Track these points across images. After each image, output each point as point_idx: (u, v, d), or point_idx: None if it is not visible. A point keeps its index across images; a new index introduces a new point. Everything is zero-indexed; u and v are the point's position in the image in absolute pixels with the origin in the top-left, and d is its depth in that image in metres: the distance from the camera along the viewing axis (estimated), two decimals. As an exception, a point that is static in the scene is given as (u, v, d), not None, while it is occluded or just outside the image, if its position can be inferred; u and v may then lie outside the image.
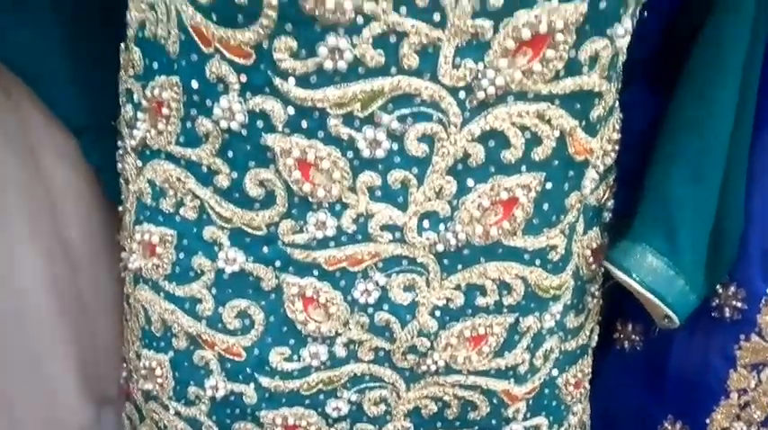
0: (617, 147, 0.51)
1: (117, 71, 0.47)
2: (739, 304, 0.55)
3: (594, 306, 0.56)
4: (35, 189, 0.51)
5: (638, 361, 0.62)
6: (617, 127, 0.50)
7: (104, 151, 0.50)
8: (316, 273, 0.45)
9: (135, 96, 0.45)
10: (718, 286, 0.56)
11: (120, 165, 0.50)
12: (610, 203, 0.54)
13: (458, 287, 0.46)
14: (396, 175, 0.42)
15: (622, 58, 0.44)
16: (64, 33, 0.47)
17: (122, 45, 0.46)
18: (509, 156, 0.42)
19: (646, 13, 0.43)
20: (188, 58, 0.40)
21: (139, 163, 0.46)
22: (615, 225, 0.55)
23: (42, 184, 0.51)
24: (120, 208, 0.51)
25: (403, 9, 0.37)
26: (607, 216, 0.54)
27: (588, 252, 0.52)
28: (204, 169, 0.43)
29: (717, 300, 0.56)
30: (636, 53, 0.49)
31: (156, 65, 0.43)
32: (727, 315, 0.56)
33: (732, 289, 0.56)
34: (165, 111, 0.43)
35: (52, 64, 0.47)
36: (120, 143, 0.49)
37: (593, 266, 0.53)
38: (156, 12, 0.41)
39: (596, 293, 0.55)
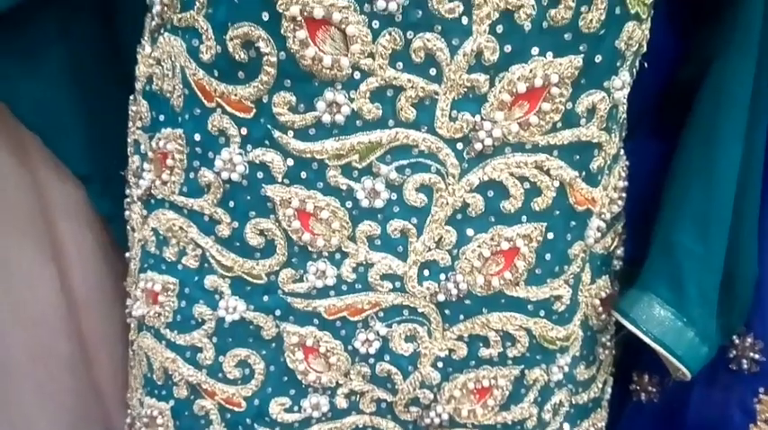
0: (624, 195, 0.50)
1: (126, 122, 0.48)
2: (757, 355, 0.53)
3: (607, 357, 0.55)
4: (41, 235, 0.52)
5: (656, 414, 0.60)
6: (623, 174, 0.49)
7: (113, 200, 0.51)
8: (316, 322, 0.45)
9: (142, 147, 0.46)
10: (735, 337, 0.54)
11: (127, 214, 0.50)
12: (619, 251, 0.53)
13: (460, 338, 0.45)
14: (395, 225, 0.42)
15: (623, 108, 0.43)
16: (75, 85, 0.49)
17: (131, 97, 0.47)
18: (508, 206, 0.42)
19: (646, 64, 0.43)
20: (191, 112, 0.41)
21: (145, 212, 0.47)
22: (626, 272, 0.54)
23: (49, 231, 0.52)
24: (128, 254, 0.52)
25: (399, 64, 0.37)
26: (617, 264, 0.53)
27: (597, 301, 0.50)
28: (206, 219, 0.44)
29: (734, 352, 0.55)
30: (640, 101, 0.49)
31: (162, 117, 0.44)
32: (745, 367, 0.54)
33: (749, 340, 0.54)
34: (169, 162, 0.44)
35: (62, 115, 0.49)
36: (128, 192, 0.50)
37: (603, 316, 0.52)
38: (162, 67, 0.43)
39: (608, 344, 0.54)
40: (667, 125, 0.53)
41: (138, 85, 0.46)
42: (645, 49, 0.42)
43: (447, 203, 0.41)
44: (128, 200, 0.50)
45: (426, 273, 0.43)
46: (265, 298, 0.45)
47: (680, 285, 0.47)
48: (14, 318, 0.53)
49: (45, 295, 0.53)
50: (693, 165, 0.47)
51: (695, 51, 0.50)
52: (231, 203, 0.42)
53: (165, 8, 0.41)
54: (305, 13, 0.35)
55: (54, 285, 0.53)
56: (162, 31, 0.42)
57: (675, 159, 0.49)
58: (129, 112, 0.47)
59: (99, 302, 0.55)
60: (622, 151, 0.49)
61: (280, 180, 0.41)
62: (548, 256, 0.44)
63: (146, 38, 0.45)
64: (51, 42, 0.47)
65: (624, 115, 0.46)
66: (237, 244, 0.43)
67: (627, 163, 0.50)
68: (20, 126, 0.48)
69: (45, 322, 0.53)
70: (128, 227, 0.51)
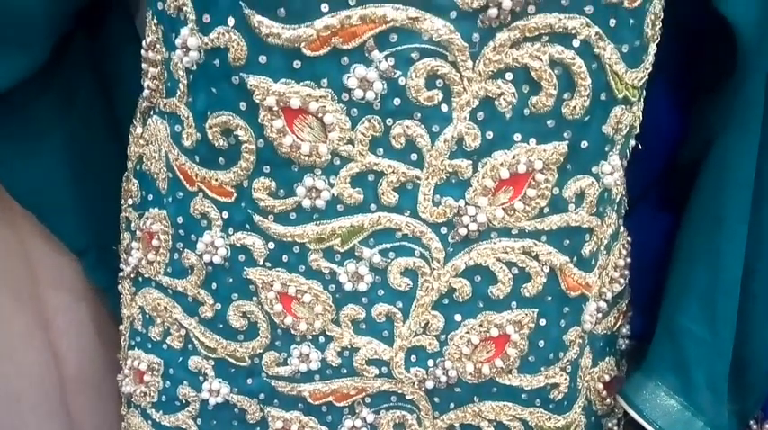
0: (626, 273, 0.48)
1: (119, 197, 0.48)
2: (777, 443, 0.50)
3: (613, 443, 0.51)
4: (29, 306, 0.51)
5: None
6: (624, 252, 0.47)
7: (109, 271, 0.51)
8: (301, 406, 0.44)
9: (132, 225, 0.47)
10: (752, 422, 0.51)
11: (120, 287, 0.50)
12: (624, 330, 0.51)
13: (451, 427, 0.44)
14: (380, 309, 0.41)
15: (617, 190, 0.42)
16: (74, 165, 0.49)
17: (125, 175, 0.48)
18: (497, 291, 0.40)
19: (640, 146, 0.42)
20: (174, 195, 0.41)
21: (133, 289, 0.47)
22: (635, 349, 0.52)
23: (38, 303, 0.52)
24: (121, 327, 0.51)
25: (380, 150, 0.37)
26: (622, 343, 0.51)
27: (600, 385, 0.48)
28: (190, 300, 0.43)
29: (753, 438, 0.51)
30: (643, 177, 0.48)
31: (150, 197, 0.44)
32: (765, 454, 0.50)
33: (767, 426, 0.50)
34: (155, 242, 0.43)
35: (59, 194, 0.49)
36: (121, 266, 0.50)
37: (608, 400, 0.49)
38: (150, 148, 0.43)
39: (615, 428, 0.51)
40: (674, 198, 0.51)
41: (130, 164, 0.46)
42: (638, 130, 0.41)
43: (432, 288, 0.40)
44: (121, 274, 0.50)
45: (414, 358, 0.42)
46: (249, 381, 0.44)
47: (686, 372, 0.44)
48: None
49: (31, 369, 0.52)
50: (698, 246, 0.45)
51: (696, 128, 0.49)
52: (214, 285, 0.42)
53: (153, 92, 0.41)
54: (281, 104, 0.35)
55: (42, 358, 0.52)
56: (151, 114, 0.43)
57: (679, 239, 0.47)
58: (122, 190, 0.48)
59: (89, 376, 0.54)
60: (623, 228, 0.47)
61: (261, 263, 0.40)
62: (541, 343, 0.42)
63: (137, 118, 0.45)
64: (52, 124, 0.47)
65: (622, 194, 0.44)
66: (221, 325, 0.43)
67: (629, 239, 0.48)
68: (9, 196, 0.48)
69: (31, 397, 0.52)
70: (121, 301, 0.51)
